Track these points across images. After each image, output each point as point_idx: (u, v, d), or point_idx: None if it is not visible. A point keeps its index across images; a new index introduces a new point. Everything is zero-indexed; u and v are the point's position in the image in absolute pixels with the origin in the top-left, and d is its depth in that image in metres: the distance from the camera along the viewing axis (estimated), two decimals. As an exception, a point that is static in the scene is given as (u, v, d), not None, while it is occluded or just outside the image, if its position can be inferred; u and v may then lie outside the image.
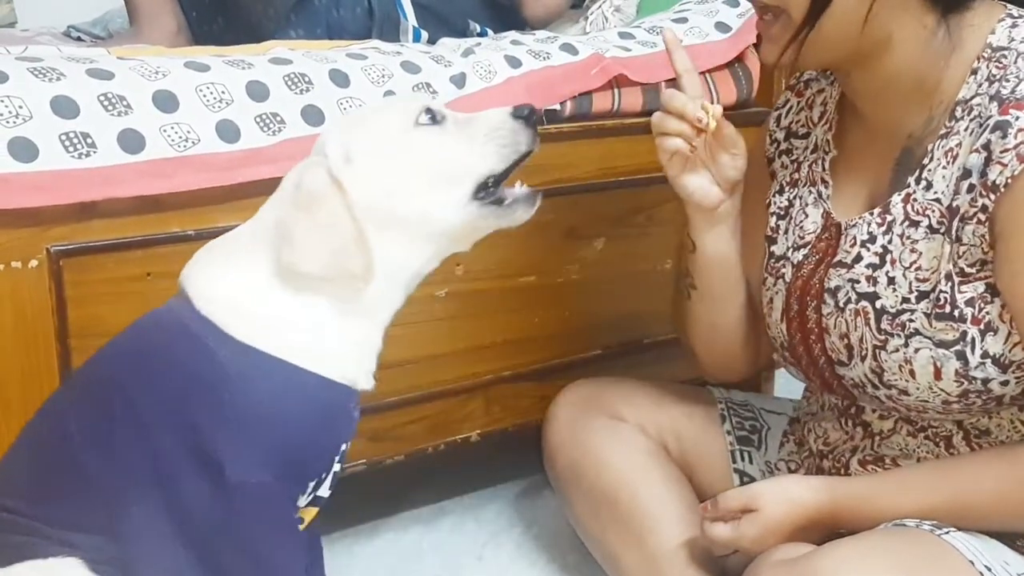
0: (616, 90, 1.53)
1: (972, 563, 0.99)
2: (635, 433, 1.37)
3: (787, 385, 1.66)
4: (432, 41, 1.66)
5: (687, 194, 1.19)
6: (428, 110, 1.05)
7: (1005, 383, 1.04)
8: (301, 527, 1.06)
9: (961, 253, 1.03)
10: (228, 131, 1.22)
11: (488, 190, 1.05)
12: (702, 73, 1.57)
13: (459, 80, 1.40)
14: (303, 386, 0.99)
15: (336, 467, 1.06)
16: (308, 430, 1.00)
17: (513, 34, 1.59)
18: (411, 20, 1.72)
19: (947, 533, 1.02)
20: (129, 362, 1.00)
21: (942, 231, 1.05)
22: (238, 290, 1.00)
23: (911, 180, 1.08)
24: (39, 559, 0.95)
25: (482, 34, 1.76)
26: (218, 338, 0.98)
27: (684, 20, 1.66)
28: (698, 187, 1.18)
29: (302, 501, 1.04)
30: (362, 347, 1.05)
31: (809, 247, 1.19)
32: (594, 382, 1.45)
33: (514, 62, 1.46)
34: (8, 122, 1.10)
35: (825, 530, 1.10)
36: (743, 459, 1.37)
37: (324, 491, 1.06)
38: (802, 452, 1.29)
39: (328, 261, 0.98)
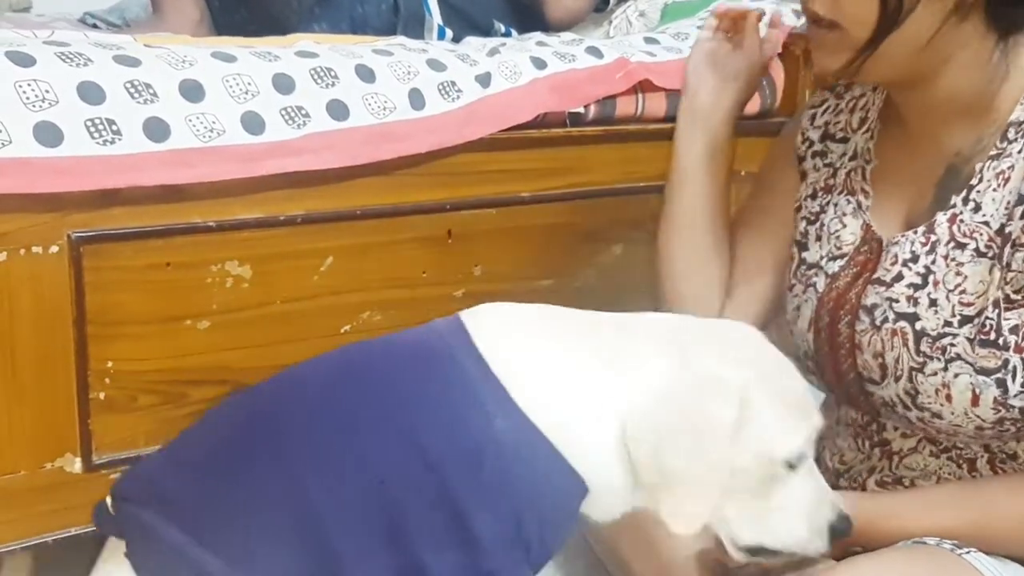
0: (640, 95, 1.53)
1: (992, 584, 0.99)
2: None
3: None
4: (457, 40, 1.65)
5: (690, 60, 1.32)
6: (799, 455, 0.96)
7: None
8: None
9: (1009, 279, 1.02)
10: (253, 123, 1.21)
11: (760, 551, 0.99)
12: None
13: (484, 79, 1.39)
14: (562, 475, 0.92)
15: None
16: (558, 522, 0.94)
17: (539, 35, 1.58)
18: (436, 18, 1.72)
19: (968, 553, 1.01)
20: (379, 398, 0.92)
21: (990, 255, 1.04)
22: (540, 360, 0.93)
23: (958, 200, 1.07)
24: None
25: (506, 34, 1.76)
26: (500, 403, 0.90)
27: (709, 27, 1.66)
28: (698, 60, 1.32)
29: None
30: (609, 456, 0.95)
31: (847, 259, 1.17)
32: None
33: (539, 63, 1.45)
34: (34, 106, 1.09)
35: (842, 546, 1.09)
36: (757, 471, 1.36)
37: None
38: (819, 468, 1.28)
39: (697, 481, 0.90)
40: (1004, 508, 1.04)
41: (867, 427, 1.20)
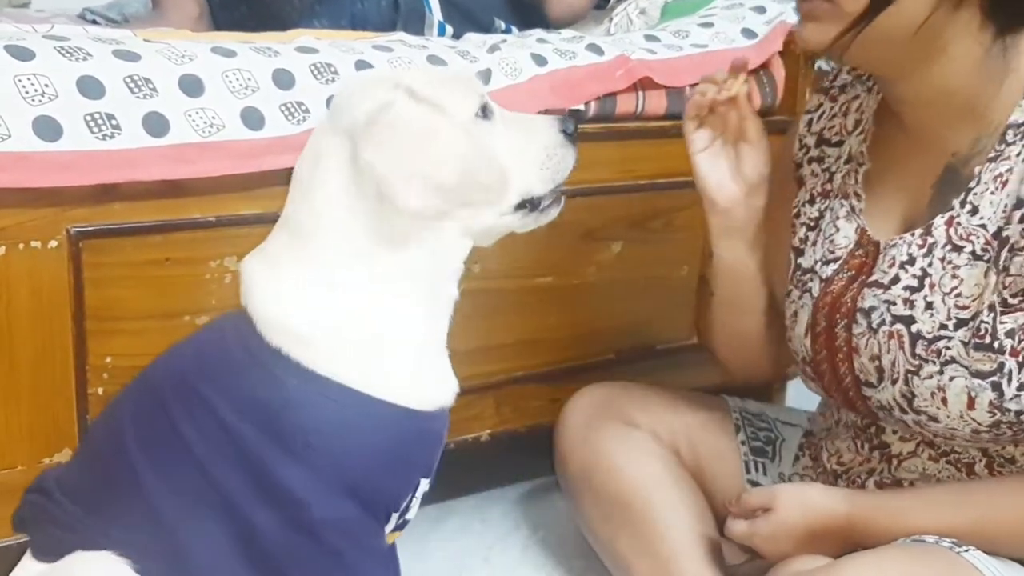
0: (640, 92, 1.53)
1: (991, 582, 0.98)
2: (648, 439, 1.36)
3: (798, 396, 1.65)
4: (457, 36, 1.65)
5: (703, 180, 1.17)
6: (485, 105, 1.01)
7: None
8: None
9: (1007, 284, 1.01)
10: (253, 118, 1.21)
11: (530, 202, 1.04)
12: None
13: (485, 76, 1.39)
14: (374, 416, 0.96)
15: (424, 487, 1.03)
16: (384, 461, 0.97)
17: (539, 32, 1.58)
18: (436, 15, 1.72)
19: (966, 551, 1.01)
20: (187, 383, 0.97)
21: (987, 259, 1.03)
22: (300, 308, 0.96)
23: (955, 203, 1.06)
24: (84, 551, 0.94)
25: (507, 31, 1.76)
26: (285, 366, 0.94)
27: (710, 25, 1.66)
28: (715, 175, 1.17)
29: (390, 526, 1.01)
30: (431, 355, 1.02)
31: (840, 262, 1.17)
32: (607, 387, 1.44)
33: (540, 60, 1.45)
34: (33, 100, 1.08)
35: (841, 542, 1.09)
36: (757, 470, 1.36)
37: (411, 513, 1.04)
38: (817, 468, 1.28)
39: (458, 179, 0.94)
40: (1003, 508, 1.04)
41: (866, 430, 1.19)
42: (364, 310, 0.97)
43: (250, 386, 0.94)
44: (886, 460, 1.17)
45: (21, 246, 1.11)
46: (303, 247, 0.98)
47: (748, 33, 1.65)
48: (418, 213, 0.94)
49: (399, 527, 1.04)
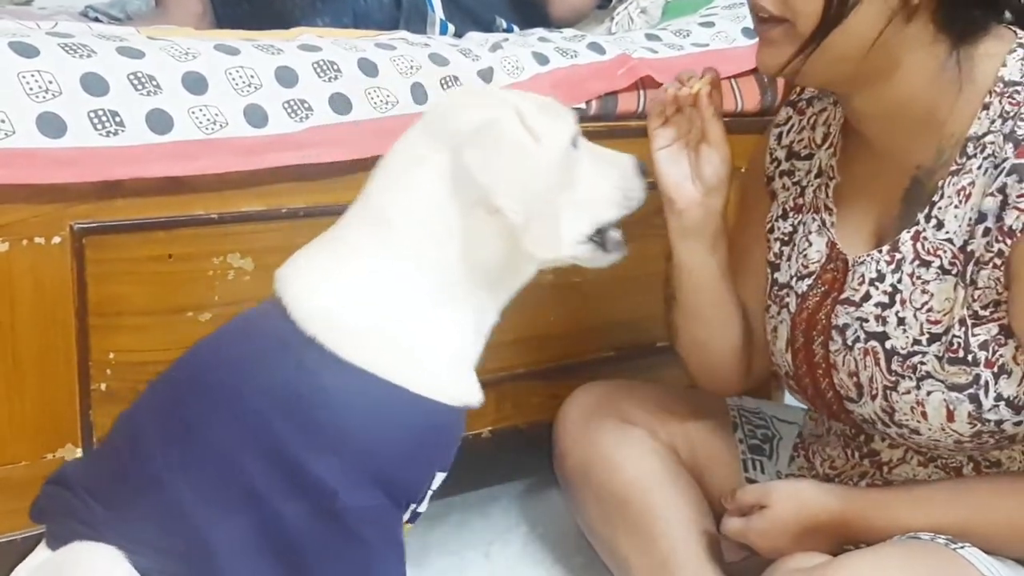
0: (642, 91, 1.53)
1: (987, 577, 0.99)
2: (646, 437, 1.36)
3: (797, 394, 1.66)
4: (459, 35, 1.66)
5: (662, 177, 1.17)
6: (575, 136, 1.05)
7: (1019, 423, 1.02)
8: None
9: (976, 297, 1.01)
10: (256, 115, 1.22)
11: (600, 235, 1.07)
12: (727, 78, 1.57)
13: (486, 75, 1.40)
14: (405, 407, 0.97)
15: (439, 480, 1.05)
16: (411, 453, 0.98)
17: (540, 31, 1.59)
18: (438, 13, 1.72)
19: (962, 548, 1.01)
20: (212, 377, 0.97)
21: (954, 272, 1.03)
22: (351, 299, 0.97)
23: (920, 217, 1.06)
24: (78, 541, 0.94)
25: (508, 30, 1.76)
26: (316, 356, 0.95)
27: (711, 24, 1.66)
28: (674, 174, 1.17)
29: (405, 517, 1.02)
30: (465, 361, 1.03)
31: (814, 277, 1.16)
32: (606, 384, 1.45)
33: (541, 59, 1.46)
34: (37, 97, 1.09)
35: (835, 538, 1.10)
36: (754, 468, 1.36)
37: (424, 506, 1.05)
38: (811, 471, 1.28)
39: (528, 205, 0.96)
40: (995, 507, 1.05)
41: (855, 438, 1.20)
42: (421, 311, 0.98)
43: (281, 376, 0.94)
44: (877, 467, 1.18)
45: (25, 242, 1.12)
46: (385, 241, 0.99)
47: (749, 32, 1.65)
48: (509, 219, 0.96)
49: (412, 519, 1.05)
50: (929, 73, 1.03)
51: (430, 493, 1.05)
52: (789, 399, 1.74)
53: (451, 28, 1.72)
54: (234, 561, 0.93)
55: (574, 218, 1.03)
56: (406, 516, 1.03)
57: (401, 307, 0.98)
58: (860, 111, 1.10)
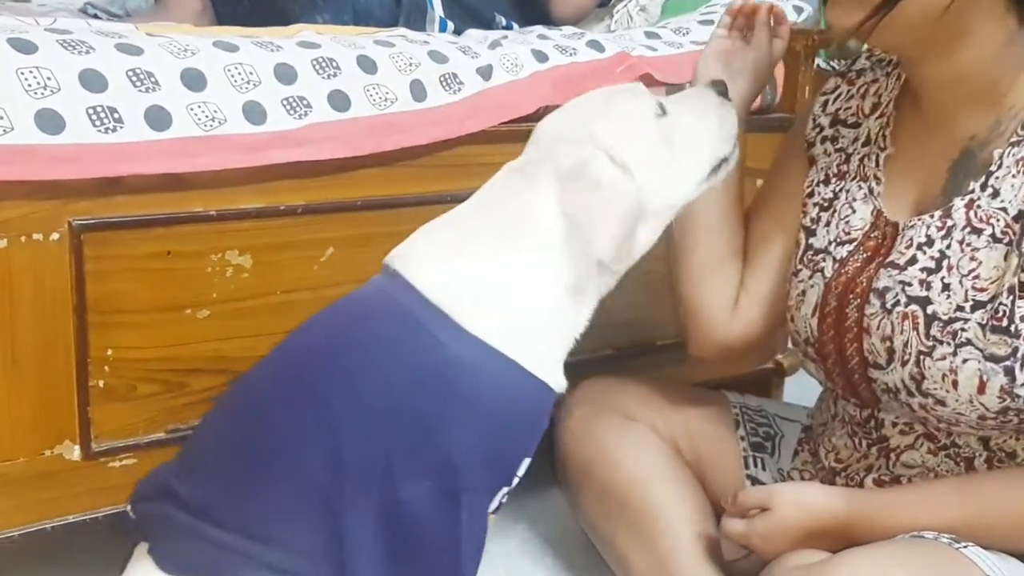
0: (641, 89, 1.53)
1: (990, 577, 0.99)
2: (648, 434, 1.36)
3: (797, 392, 1.66)
4: (458, 32, 1.65)
5: (707, 49, 1.32)
6: (659, 104, 1.10)
7: None
8: None
9: None
10: (254, 112, 1.21)
11: (720, 164, 1.14)
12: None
13: (486, 72, 1.40)
14: (527, 388, 1.00)
15: (523, 469, 1.05)
16: (527, 432, 1.02)
17: (540, 29, 1.59)
18: (438, 10, 1.72)
19: (965, 547, 1.01)
20: (345, 355, 0.99)
21: (1006, 241, 1.04)
22: (473, 279, 1.01)
23: (976, 186, 1.07)
24: None
25: (508, 27, 1.76)
26: (450, 331, 0.97)
27: (710, 22, 1.66)
28: (721, 47, 1.31)
29: (493, 505, 1.04)
30: (566, 347, 1.07)
31: (856, 244, 1.18)
32: (607, 380, 1.45)
33: (540, 56, 1.46)
34: (36, 93, 1.09)
35: (838, 542, 1.09)
36: (756, 465, 1.36)
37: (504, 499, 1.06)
38: (816, 464, 1.28)
39: (620, 248, 1.03)
40: (1002, 503, 1.04)
41: (865, 424, 1.20)
42: (543, 301, 1.03)
43: (421, 353, 0.96)
44: (884, 455, 1.17)
45: (23, 239, 1.12)
46: (510, 238, 1.03)
47: (749, 30, 1.65)
48: (607, 261, 1.04)
49: (496, 510, 1.05)
50: (996, 44, 1.05)
51: (516, 481, 1.05)
52: (788, 398, 1.74)
53: (450, 25, 1.72)
54: (360, 550, 0.94)
55: (692, 166, 1.11)
56: (494, 504, 1.03)
57: (527, 294, 1.02)
58: (925, 78, 1.12)
